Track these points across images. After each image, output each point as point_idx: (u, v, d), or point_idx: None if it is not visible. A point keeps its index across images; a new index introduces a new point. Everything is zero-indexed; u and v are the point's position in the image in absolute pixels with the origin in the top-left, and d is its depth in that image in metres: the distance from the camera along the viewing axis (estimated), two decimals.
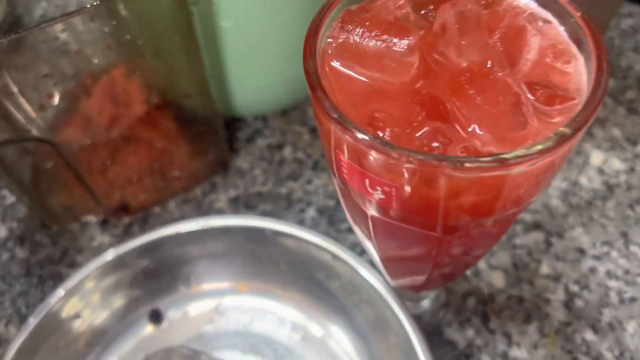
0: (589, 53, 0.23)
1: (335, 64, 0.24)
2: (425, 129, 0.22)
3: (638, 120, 0.51)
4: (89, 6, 0.36)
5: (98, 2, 0.35)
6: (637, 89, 0.53)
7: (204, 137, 0.50)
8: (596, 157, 0.49)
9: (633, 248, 0.44)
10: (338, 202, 0.47)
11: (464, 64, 0.23)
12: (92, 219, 0.48)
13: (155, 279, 0.42)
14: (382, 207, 0.24)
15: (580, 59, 0.24)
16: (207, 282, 0.43)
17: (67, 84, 0.44)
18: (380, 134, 0.22)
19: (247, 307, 0.43)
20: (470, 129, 0.22)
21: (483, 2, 0.24)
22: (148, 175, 0.48)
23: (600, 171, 0.48)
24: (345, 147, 0.22)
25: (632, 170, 0.48)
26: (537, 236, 0.45)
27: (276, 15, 0.44)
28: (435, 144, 0.21)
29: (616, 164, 0.48)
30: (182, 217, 0.48)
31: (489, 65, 0.23)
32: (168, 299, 0.43)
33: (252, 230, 0.41)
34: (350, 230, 0.46)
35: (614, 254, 0.44)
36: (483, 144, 0.21)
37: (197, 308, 0.43)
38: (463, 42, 0.22)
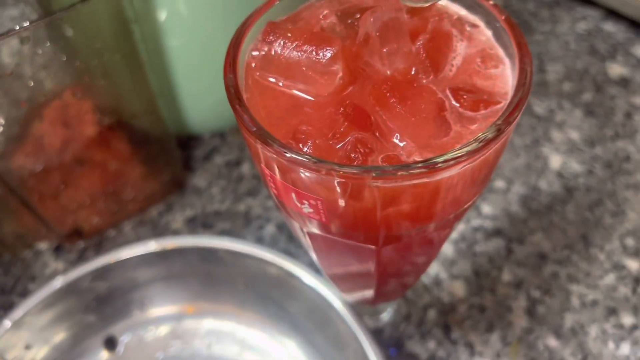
0: (513, 56, 0.23)
1: (259, 76, 0.24)
2: (347, 139, 0.21)
3: (595, 122, 0.51)
4: (25, 25, 0.35)
5: (34, 22, 0.35)
6: (593, 90, 0.53)
7: (158, 156, 0.49)
8: (555, 161, 0.49)
9: (593, 251, 0.44)
10: None
11: (388, 73, 0.22)
12: (45, 245, 0.47)
13: (109, 304, 0.41)
14: (315, 220, 0.23)
15: (507, 63, 0.23)
16: (162, 306, 0.42)
17: (15, 110, 0.43)
18: (302, 147, 0.21)
19: (204, 330, 0.42)
20: (393, 139, 0.21)
21: (406, 9, 0.24)
22: (102, 198, 0.47)
23: (559, 175, 0.48)
24: (268, 161, 0.21)
25: (590, 172, 0.48)
26: (497, 243, 0.44)
27: (223, 30, 0.44)
28: (353, 155, 0.20)
29: (575, 166, 0.48)
30: (138, 239, 0.47)
31: (412, 73, 0.22)
32: (122, 324, 0.41)
33: (206, 251, 0.41)
34: None
35: (575, 257, 0.43)
36: (406, 153, 0.21)
37: (152, 333, 0.41)
38: (385, 50, 0.22)
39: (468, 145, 0.19)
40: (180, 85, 0.46)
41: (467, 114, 0.21)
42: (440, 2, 0.25)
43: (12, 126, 0.44)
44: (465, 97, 0.22)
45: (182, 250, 0.41)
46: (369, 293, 0.33)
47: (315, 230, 0.24)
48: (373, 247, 0.24)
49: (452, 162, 0.19)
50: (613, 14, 0.58)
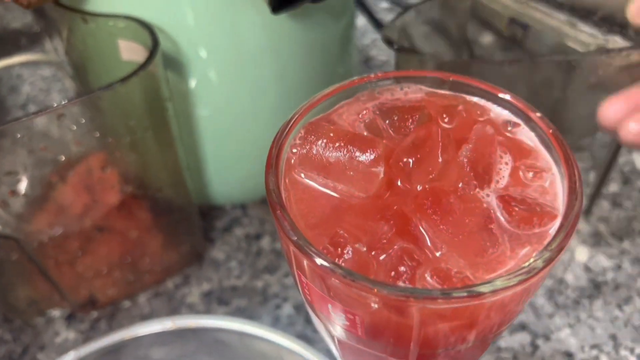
0: (559, 163, 0.22)
1: (298, 175, 0.23)
2: (392, 249, 0.20)
3: (623, 214, 0.50)
4: (64, 103, 0.35)
5: (72, 100, 0.35)
6: (620, 181, 0.52)
7: (179, 226, 0.48)
8: (582, 253, 0.47)
9: (623, 352, 0.42)
10: None
11: (429, 185, 0.22)
12: (57, 312, 0.46)
13: None
14: (348, 331, 0.22)
15: (554, 167, 0.23)
16: None
17: (40, 172, 0.43)
18: (342, 253, 0.20)
19: None
20: (440, 252, 0.20)
21: (446, 117, 0.24)
22: (119, 268, 0.46)
23: (587, 268, 0.47)
24: (306, 269, 0.21)
25: (619, 267, 0.46)
26: (522, 338, 0.43)
27: (253, 103, 0.44)
28: (402, 268, 0.19)
29: (602, 260, 0.47)
30: (152, 312, 0.46)
31: (459, 186, 0.22)
32: None
33: (221, 332, 0.39)
34: None
35: (604, 358, 0.42)
36: (456, 266, 0.20)
37: None
38: (430, 169, 0.21)
39: (517, 275, 0.18)
40: (207, 157, 0.46)
41: (516, 231, 0.21)
42: (484, 103, 0.25)
43: (35, 189, 0.44)
44: (516, 209, 0.21)
45: (196, 330, 0.39)
46: None
47: (345, 338, 0.23)
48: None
49: (499, 291, 0.18)
50: None
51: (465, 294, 0.18)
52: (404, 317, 0.19)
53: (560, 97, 0.34)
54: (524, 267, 0.19)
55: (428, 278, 0.19)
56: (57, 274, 0.44)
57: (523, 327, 0.43)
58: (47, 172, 0.43)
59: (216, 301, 0.46)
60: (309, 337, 0.43)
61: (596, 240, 0.48)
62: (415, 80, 0.26)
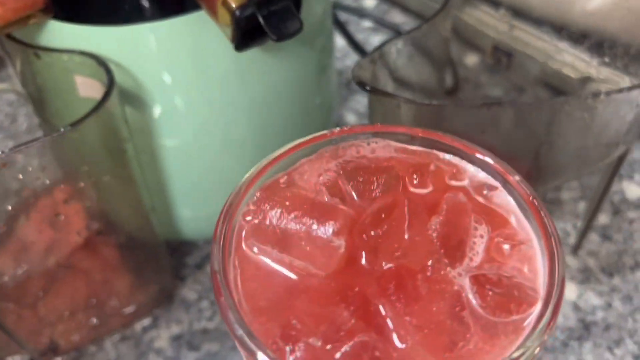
0: (539, 236, 0.20)
1: (250, 249, 0.21)
2: (351, 342, 0.18)
3: (613, 248, 0.48)
4: (9, 151, 0.32)
5: (22, 145, 0.32)
6: (610, 212, 0.50)
7: (147, 265, 0.46)
8: (570, 291, 0.45)
9: None
10: None
11: (394, 264, 0.19)
12: None
13: None
14: None
15: (534, 239, 0.21)
16: None
17: (3, 210, 0.40)
18: (293, 350, 0.18)
19: None
20: (403, 346, 0.18)
21: (417, 178, 0.21)
22: (83, 311, 0.44)
23: (576, 307, 0.44)
24: None
25: (609, 306, 0.44)
26: None
27: (222, 134, 0.42)
28: None
29: (592, 298, 0.45)
30: (118, 358, 0.43)
31: (428, 264, 0.19)
32: None
33: None
34: None
35: None
36: None
37: None
38: (396, 245, 0.19)
39: None
40: (174, 192, 0.44)
41: (491, 318, 0.18)
42: (459, 162, 0.23)
43: None
44: (490, 293, 0.19)
45: None
46: None
47: None
48: None
49: None
50: None
51: None
52: None
53: (546, 135, 0.32)
54: None
55: None
56: (16, 320, 0.42)
57: None
58: (5, 208, 0.41)
59: (186, 346, 0.43)
60: None
61: (585, 277, 0.46)
62: (384, 135, 0.23)
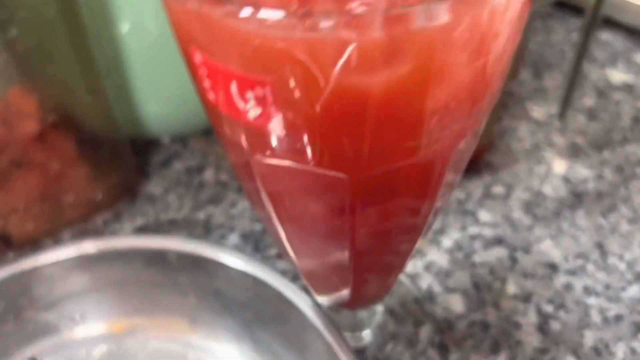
0: None
1: None
2: None
3: (600, 126, 0.46)
4: None
5: None
6: (594, 96, 0.48)
7: (107, 159, 0.42)
8: (559, 165, 0.43)
9: (612, 260, 0.37)
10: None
11: None
12: None
13: (30, 319, 0.33)
14: (261, 134, 0.17)
15: None
16: (97, 321, 0.34)
17: None
18: None
19: (148, 350, 0.34)
20: None
21: None
22: (38, 202, 0.40)
23: (565, 179, 0.42)
24: (199, 30, 0.15)
25: (600, 177, 0.42)
26: (499, 252, 0.38)
27: None
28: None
29: (582, 171, 0.42)
30: None
31: None
32: (46, 344, 0.34)
33: (152, 253, 0.34)
34: (280, 256, 0.38)
35: (590, 267, 0.37)
36: None
37: (83, 355, 0.34)
38: None
39: None
40: (134, 80, 0.41)
41: None
42: None
43: None
44: None
45: (123, 252, 0.34)
46: (345, 293, 0.26)
47: (264, 157, 0.18)
48: (345, 176, 0.18)
49: None
50: (610, 23, 0.55)
51: None
52: (363, 78, 0.14)
53: None
54: None
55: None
56: None
57: (499, 241, 0.38)
58: None
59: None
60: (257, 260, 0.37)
61: (573, 152, 0.44)
62: None
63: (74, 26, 0.36)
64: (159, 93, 0.42)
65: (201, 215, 0.41)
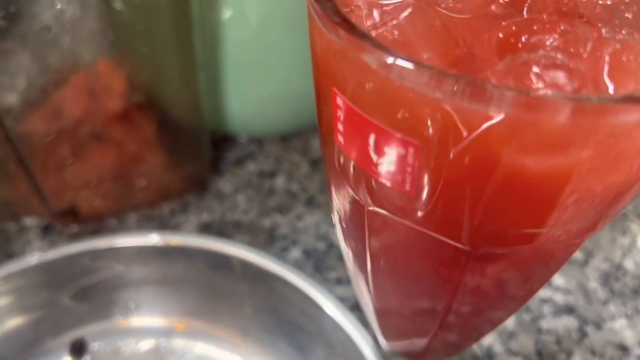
0: None
1: None
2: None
3: None
4: None
5: None
6: None
7: (184, 148, 0.42)
8: None
9: None
10: (330, 246, 0.39)
11: None
12: (33, 222, 0.40)
13: (87, 300, 0.33)
14: (386, 189, 0.16)
15: None
16: (150, 314, 0.34)
17: (39, 72, 0.38)
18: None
19: (194, 353, 0.33)
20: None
21: None
22: (110, 180, 0.40)
23: None
24: (348, 75, 0.14)
25: None
26: (569, 322, 0.36)
27: (290, 30, 0.38)
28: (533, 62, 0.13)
29: None
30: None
31: None
32: (98, 327, 0.34)
33: (217, 257, 0.33)
34: (339, 282, 0.37)
35: None
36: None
37: (131, 345, 0.33)
38: None
39: None
40: (228, 79, 0.40)
41: None
42: None
43: (33, 88, 0.39)
44: None
45: (189, 250, 0.33)
46: (419, 343, 0.25)
47: (381, 209, 0.17)
48: (463, 247, 0.16)
49: None
50: None
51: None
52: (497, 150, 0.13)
53: None
54: None
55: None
56: (42, 176, 0.39)
57: (570, 310, 0.36)
58: (49, 71, 0.38)
59: (216, 234, 0.40)
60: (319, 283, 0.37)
61: None
62: None
63: (182, 10, 0.36)
64: (247, 91, 0.42)
65: (267, 222, 0.40)
